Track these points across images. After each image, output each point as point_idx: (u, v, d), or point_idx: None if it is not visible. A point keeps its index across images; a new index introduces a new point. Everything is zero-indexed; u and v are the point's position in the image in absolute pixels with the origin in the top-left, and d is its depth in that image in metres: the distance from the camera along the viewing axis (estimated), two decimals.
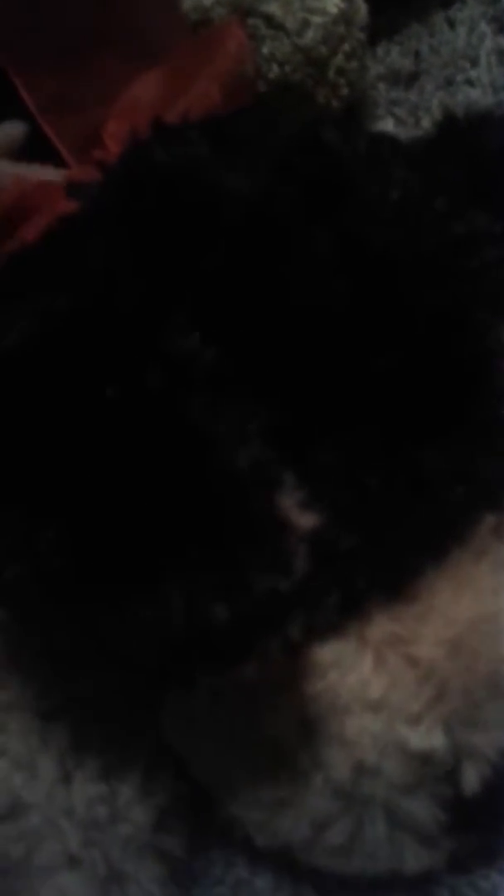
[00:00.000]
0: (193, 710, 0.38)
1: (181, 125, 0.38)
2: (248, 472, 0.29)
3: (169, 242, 0.33)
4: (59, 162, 0.49)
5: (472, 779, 0.37)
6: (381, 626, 0.36)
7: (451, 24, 0.59)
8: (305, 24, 0.54)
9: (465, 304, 0.35)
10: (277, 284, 0.33)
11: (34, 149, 0.50)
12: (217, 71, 0.44)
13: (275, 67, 0.55)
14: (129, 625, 0.29)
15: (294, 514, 0.32)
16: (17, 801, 0.39)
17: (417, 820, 0.38)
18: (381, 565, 0.35)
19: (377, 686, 0.36)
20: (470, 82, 0.56)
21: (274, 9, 0.54)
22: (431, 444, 0.35)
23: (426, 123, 0.56)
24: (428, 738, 0.36)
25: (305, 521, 0.32)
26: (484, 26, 0.58)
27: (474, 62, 0.57)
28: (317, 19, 0.55)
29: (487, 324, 0.35)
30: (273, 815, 0.38)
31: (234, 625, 0.29)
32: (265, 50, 0.54)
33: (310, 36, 0.54)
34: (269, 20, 0.55)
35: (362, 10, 0.56)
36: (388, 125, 0.58)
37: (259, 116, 0.38)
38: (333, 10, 0.54)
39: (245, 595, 0.29)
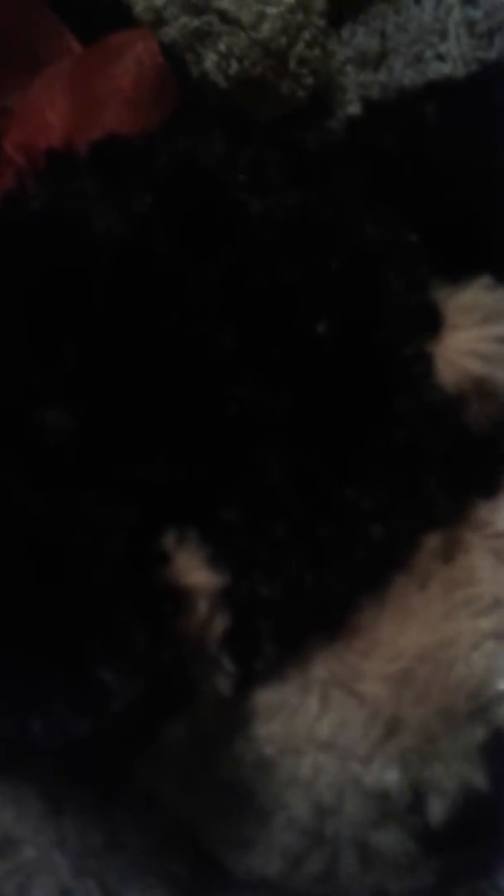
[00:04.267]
0: (158, 751, 0.39)
1: (73, 156, 0.37)
2: (115, 569, 0.29)
3: (44, 295, 0.32)
4: None
5: (437, 811, 0.36)
6: (324, 665, 0.35)
7: None
8: (261, 16, 0.53)
9: (365, 325, 0.33)
10: (158, 335, 0.32)
11: None
12: (124, 89, 0.43)
13: (234, 64, 0.53)
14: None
15: (196, 575, 0.32)
16: (6, 836, 0.40)
17: (389, 852, 0.37)
18: (313, 607, 0.34)
19: (325, 726, 0.35)
20: (440, 57, 0.53)
21: (227, 4, 0.53)
22: (346, 480, 0.33)
23: None
24: (382, 775, 0.35)
25: (208, 580, 0.31)
26: None
27: (443, 36, 0.54)
28: (272, 10, 0.53)
29: (394, 342, 0.34)
30: (244, 852, 0.38)
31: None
32: (222, 47, 0.52)
33: (266, 28, 0.53)
34: (223, 16, 0.53)
35: None
36: (358, 109, 0.56)
37: (155, 139, 0.37)
38: None
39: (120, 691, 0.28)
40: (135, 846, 0.40)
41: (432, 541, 0.36)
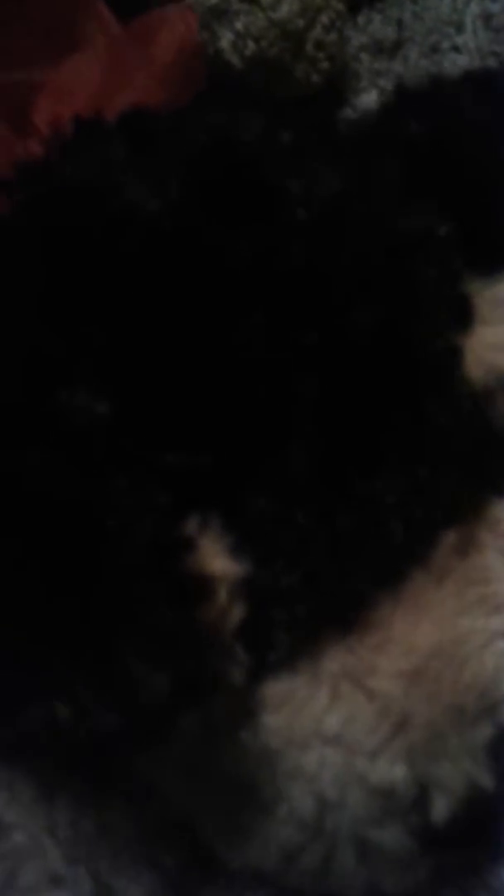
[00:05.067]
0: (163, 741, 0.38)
1: (102, 124, 0.36)
2: (143, 554, 0.28)
3: (72, 273, 0.31)
4: None
5: (440, 809, 0.36)
6: (336, 659, 0.35)
7: None
8: None
9: (400, 316, 0.32)
10: (188, 316, 0.31)
11: None
12: (157, 66, 0.42)
13: (250, 44, 0.53)
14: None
15: (218, 562, 0.31)
16: None
17: (388, 849, 0.37)
18: (330, 599, 0.34)
19: (334, 721, 0.35)
20: (456, 49, 0.54)
21: None
22: (371, 472, 0.33)
23: None
24: (389, 772, 0.35)
25: (229, 568, 0.31)
26: None
27: (459, 28, 0.54)
28: None
29: (426, 335, 0.33)
30: (241, 843, 0.38)
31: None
32: (239, 26, 0.52)
33: (285, 9, 0.52)
34: None
35: None
36: (372, 97, 0.55)
37: (188, 113, 0.36)
38: None
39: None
40: (127, 834, 0.39)
41: (450, 538, 0.36)
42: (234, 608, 0.32)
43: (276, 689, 0.35)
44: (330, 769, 0.35)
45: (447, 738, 0.35)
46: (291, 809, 0.36)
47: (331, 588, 0.34)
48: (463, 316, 0.35)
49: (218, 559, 0.31)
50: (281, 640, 0.34)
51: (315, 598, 0.34)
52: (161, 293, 0.31)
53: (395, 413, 0.33)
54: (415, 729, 0.35)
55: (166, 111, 0.37)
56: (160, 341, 0.31)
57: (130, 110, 0.36)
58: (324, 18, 0.53)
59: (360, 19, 0.56)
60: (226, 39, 0.52)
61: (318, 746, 0.35)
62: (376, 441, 0.33)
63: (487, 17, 0.53)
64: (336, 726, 0.35)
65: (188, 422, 0.31)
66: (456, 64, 0.53)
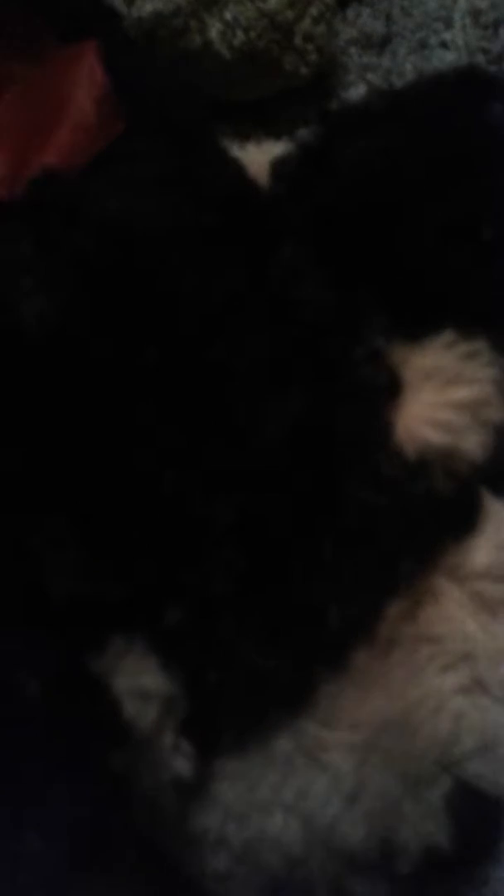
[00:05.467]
0: None
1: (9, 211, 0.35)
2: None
3: None
4: None
5: (405, 866, 0.37)
6: (287, 738, 0.36)
7: None
8: None
9: (316, 413, 0.32)
10: (84, 443, 0.30)
11: None
12: (77, 118, 0.41)
13: (239, 34, 0.51)
14: None
15: (147, 679, 0.31)
16: None
17: (362, 893, 0.38)
18: (270, 690, 0.34)
19: (289, 793, 0.36)
20: (444, 45, 0.52)
21: None
22: (296, 571, 0.32)
23: None
24: (348, 838, 0.36)
25: (160, 685, 0.31)
26: None
27: (448, 24, 0.52)
28: None
29: (349, 421, 0.32)
30: (221, 885, 0.40)
31: None
32: (228, 16, 0.50)
33: (274, 0, 0.50)
34: None
35: None
36: (360, 91, 0.54)
37: (91, 190, 0.35)
38: None
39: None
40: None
41: (397, 606, 0.36)
42: (173, 715, 0.33)
43: (228, 765, 0.36)
44: (293, 833, 0.37)
45: (403, 804, 0.36)
46: (263, 862, 0.38)
47: (271, 680, 0.34)
48: (390, 391, 0.34)
49: (147, 676, 0.32)
50: (228, 729, 0.35)
51: (257, 690, 0.34)
52: (59, 410, 0.31)
53: (317, 507, 0.32)
54: (369, 798, 0.35)
55: (74, 178, 0.36)
56: (60, 462, 0.31)
57: (40, 182, 0.35)
58: (313, 10, 0.51)
59: (350, 13, 0.54)
60: (215, 29, 0.51)
61: (279, 813, 0.36)
62: (299, 538, 0.32)
63: (476, 14, 0.51)
64: (292, 798, 0.36)
65: (101, 552, 0.31)
66: (444, 60, 0.51)
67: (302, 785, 0.36)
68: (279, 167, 0.37)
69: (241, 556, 0.31)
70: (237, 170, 0.38)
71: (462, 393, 0.34)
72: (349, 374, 0.33)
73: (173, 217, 0.33)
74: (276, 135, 0.54)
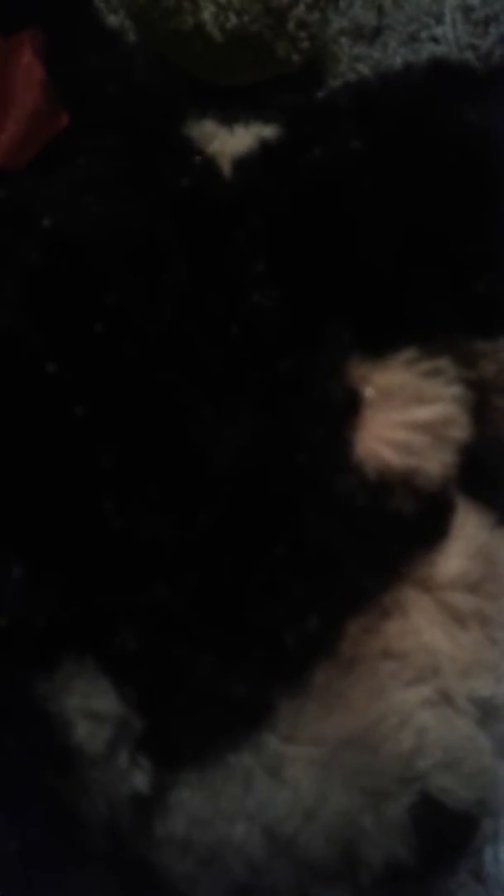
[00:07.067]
0: None
1: None
2: None
3: None
4: None
5: (365, 879, 0.37)
6: (247, 753, 0.35)
7: None
8: None
9: (274, 426, 0.31)
10: (30, 452, 0.30)
11: None
12: (23, 111, 0.40)
13: (232, 17, 0.51)
14: None
15: (98, 702, 0.31)
16: None
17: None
18: (228, 708, 0.34)
19: (250, 805, 0.36)
20: (435, 39, 0.51)
21: None
22: (252, 593, 0.32)
23: None
24: (309, 851, 0.36)
25: (111, 706, 0.31)
26: None
27: (439, 19, 0.51)
28: None
29: (306, 441, 0.31)
30: (191, 885, 0.40)
31: None
32: None
33: None
34: None
35: None
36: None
37: (37, 193, 0.34)
38: None
39: None
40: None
41: (359, 623, 0.35)
42: (128, 733, 0.33)
43: (190, 776, 0.36)
44: (256, 842, 0.37)
45: (364, 819, 0.36)
46: (227, 868, 0.38)
47: (228, 700, 0.34)
48: (349, 409, 0.33)
49: (99, 697, 0.32)
50: (186, 746, 0.35)
51: (214, 709, 0.34)
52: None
53: (273, 528, 0.32)
54: (329, 814, 0.35)
55: (23, 181, 0.35)
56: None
57: None
58: None
59: (342, 3, 0.53)
60: (208, 11, 0.50)
61: (242, 821, 0.37)
62: (255, 561, 0.32)
63: (467, 10, 0.50)
64: (253, 810, 0.36)
65: (47, 570, 0.31)
66: (434, 55, 0.50)
67: (262, 798, 0.36)
68: (239, 167, 0.35)
69: (193, 578, 0.31)
70: (202, 166, 0.37)
71: (423, 413, 0.33)
72: (307, 389, 0.32)
73: (126, 221, 0.32)
74: (265, 122, 0.53)
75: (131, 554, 0.31)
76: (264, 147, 0.36)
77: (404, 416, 0.33)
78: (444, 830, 0.37)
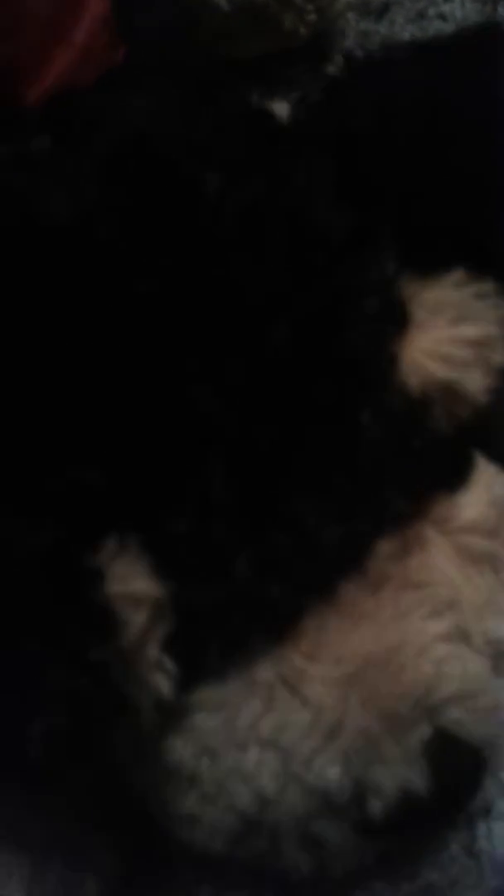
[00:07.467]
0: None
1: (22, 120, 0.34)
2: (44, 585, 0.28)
3: None
4: None
5: (376, 809, 0.36)
6: (269, 667, 0.35)
7: None
8: None
9: (328, 329, 0.31)
10: (96, 332, 0.30)
11: None
12: (94, 19, 0.40)
13: None
14: None
15: (138, 584, 0.31)
16: None
17: (330, 840, 0.38)
18: (258, 612, 0.34)
19: (268, 726, 0.35)
20: (442, 17, 0.53)
21: None
22: (299, 489, 0.32)
23: None
24: (324, 774, 0.35)
25: (150, 589, 0.31)
26: None
27: None
28: None
29: (359, 344, 0.32)
30: (189, 828, 0.39)
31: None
32: None
33: None
34: None
35: None
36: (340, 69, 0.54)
37: (110, 97, 0.35)
38: None
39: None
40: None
41: (388, 545, 0.36)
42: (159, 625, 0.33)
43: (208, 694, 0.35)
44: (268, 769, 0.36)
45: (382, 744, 0.35)
46: (233, 804, 0.37)
47: (259, 602, 0.34)
48: (398, 322, 0.34)
49: (137, 580, 0.31)
50: (211, 651, 0.34)
51: (244, 611, 0.34)
52: (72, 306, 0.30)
53: (324, 426, 0.32)
54: (349, 735, 0.35)
55: (89, 94, 0.35)
56: (69, 355, 0.30)
57: (55, 94, 0.35)
58: None
59: None
60: None
61: (255, 748, 0.36)
62: (305, 456, 0.32)
63: None
64: (271, 731, 0.35)
65: (99, 440, 0.31)
66: (441, 32, 0.52)
67: (281, 717, 0.35)
68: (301, 99, 0.36)
69: (247, 466, 0.31)
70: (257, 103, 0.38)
71: (469, 330, 0.34)
72: (358, 300, 0.33)
73: (197, 127, 0.32)
74: (271, 96, 0.54)
75: (190, 436, 0.31)
76: (328, 81, 0.37)
77: (451, 332, 0.34)
78: (457, 764, 0.37)
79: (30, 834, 0.40)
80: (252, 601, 0.34)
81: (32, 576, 0.28)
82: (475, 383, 0.35)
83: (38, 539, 0.28)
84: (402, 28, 0.53)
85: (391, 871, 0.43)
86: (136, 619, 0.32)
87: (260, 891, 0.43)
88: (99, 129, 0.33)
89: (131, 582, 0.31)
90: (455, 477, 0.38)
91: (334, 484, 0.33)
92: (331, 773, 0.35)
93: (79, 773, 0.36)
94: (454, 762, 0.36)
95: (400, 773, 0.36)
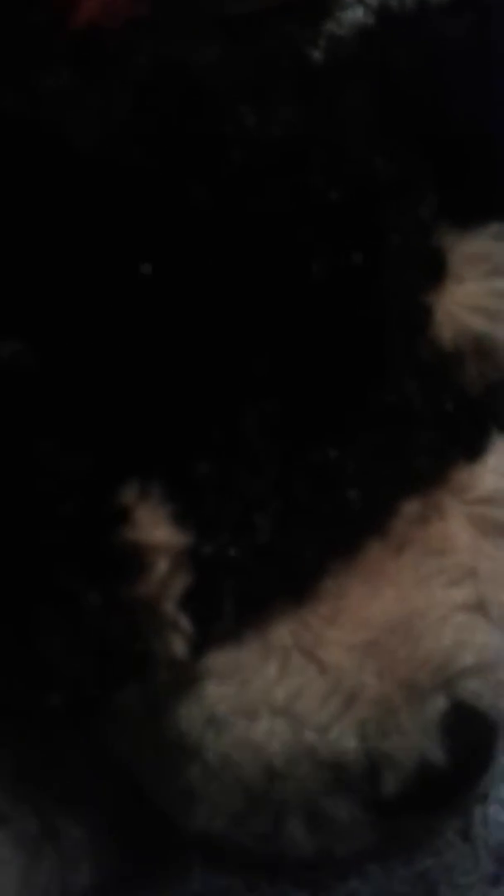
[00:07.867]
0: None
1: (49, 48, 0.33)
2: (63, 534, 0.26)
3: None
4: None
5: (390, 783, 0.35)
6: (287, 630, 0.34)
7: None
8: None
9: (365, 269, 0.30)
10: (124, 263, 0.28)
11: None
12: None
13: None
14: None
15: (158, 532, 0.29)
16: None
17: (337, 818, 0.36)
18: (281, 570, 0.32)
19: (283, 692, 0.34)
20: None
21: None
22: (327, 440, 0.31)
23: None
24: (338, 745, 0.34)
25: (171, 537, 0.29)
26: None
27: None
28: None
29: (394, 290, 0.31)
30: (188, 807, 0.37)
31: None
32: None
33: None
34: None
35: None
36: (358, 14, 0.52)
37: (140, 34, 0.33)
38: None
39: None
40: (74, 772, 0.38)
41: (412, 507, 0.34)
42: (177, 578, 0.31)
43: (222, 658, 0.34)
44: (279, 740, 0.34)
45: (399, 713, 0.34)
46: (238, 777, 0.35)
47: (281, 559, 0.32)
48: (434, 271, 0.33)
49: (158, 528, 0.30)
50: (228, 610, 0.32)
51: (265, 568, 0.32)
52: (101, 236, 0.28)
53: (357, 375, 0.31)
54: (366, 703, 0.34)
55: (120, 30, 0.34)
56: (97, 288, 0.28)
57: (82, 31, 0.33)
58: None
59: None
60: None
61: (266, 717, 0.34)
62: (335, 405, 0.31)
63: None
64: (285, 698, 0.34)
65: (126, 380, 0.29)
66: None
67: (297, 684, 0.34)
68: (336, 40, 0.35)
69: (276, 403, 0.29)
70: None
71: None
72: (396, 246, 0.31)
73: (235, 64, 0.31)
74: None
75: (223, 381, 0.29)
76: (361, 29, 0.36)
77: (487, 284, 0.33)
78: (473, 738, 0.35)
79: (23, 826, 0.38)
80: (273, 557, 0.32)
81: (63, 502, 0.26)
82: None
83: (73, 465, 0.26)
84: None
85: (386, 856, 0.42)
86: (156, 569, 0.30)
87: (253, 876, 0.42)
88: (129, 62, 0.31)
89: (151, 530, 0.29)
90: (476, 442, 0.37)
91: (363, 438, 0.32)
92: (346, 743, 0.34)
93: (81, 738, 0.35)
94: (471, 735, 0.35)
95: (417, 745, 0.34)
